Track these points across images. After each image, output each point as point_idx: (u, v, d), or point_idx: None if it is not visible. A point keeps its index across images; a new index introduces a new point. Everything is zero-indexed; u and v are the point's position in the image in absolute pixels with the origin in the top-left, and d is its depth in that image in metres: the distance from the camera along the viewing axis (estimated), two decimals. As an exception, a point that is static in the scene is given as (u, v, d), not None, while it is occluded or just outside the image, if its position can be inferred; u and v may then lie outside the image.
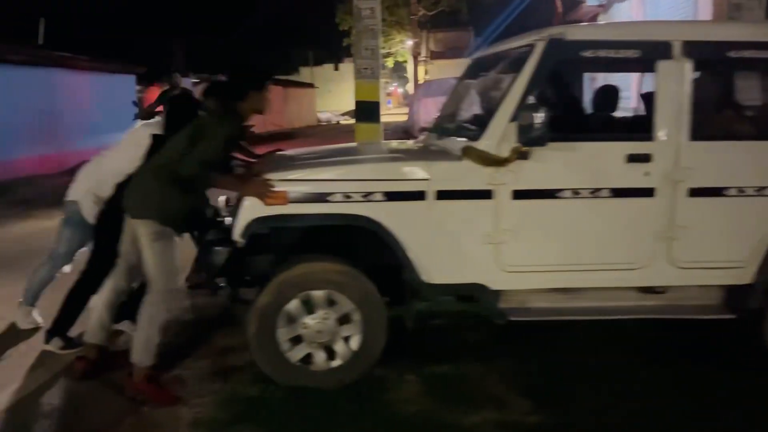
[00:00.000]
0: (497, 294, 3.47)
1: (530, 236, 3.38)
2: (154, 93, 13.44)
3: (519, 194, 3.34)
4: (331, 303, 3.36)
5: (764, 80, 3.65)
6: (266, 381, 3.42)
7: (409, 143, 4.42)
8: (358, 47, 7.59)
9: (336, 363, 3.41)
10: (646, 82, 4.68)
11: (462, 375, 3.56)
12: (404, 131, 20.60)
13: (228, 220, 3.61)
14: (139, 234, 3.31)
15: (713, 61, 3.39)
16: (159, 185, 3.25)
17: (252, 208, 3.27)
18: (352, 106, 8.88)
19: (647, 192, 3.36)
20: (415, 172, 3.35)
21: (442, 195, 3.33)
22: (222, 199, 3.98)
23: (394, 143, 4.45)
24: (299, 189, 3.29)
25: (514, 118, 3.27)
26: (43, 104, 13.22)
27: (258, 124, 23.23)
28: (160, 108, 11.11)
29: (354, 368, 3.42)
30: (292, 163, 3.57)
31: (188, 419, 3.17)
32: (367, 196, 3.30)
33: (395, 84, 39.47)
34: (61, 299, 3.90)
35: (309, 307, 3.35)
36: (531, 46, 3.37)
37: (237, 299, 3.65)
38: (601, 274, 3.44)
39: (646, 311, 3.51)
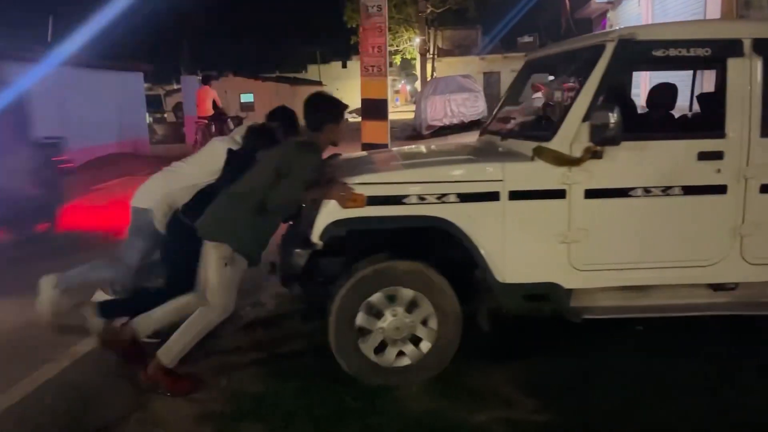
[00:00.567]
0: (569, 293, 3.50)
1: (602, 235, 3.41)
2: (205, 94, 13.40)
3: (591, 193, 3.37)
4: (410, 300, 3.42)
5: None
6: (273, 378, 3.52)
7: (474, 143, 4.44)
8: (365, 45, 7.60)
9: (411, 360, 3.47)
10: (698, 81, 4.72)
11: (469, 373, 3.59)
12: (413, 129, 20.66)
13: None
14: (208, 255, 3.40)
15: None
16: (239, 212, 3.34)
17: (331, 212, 3.32)
18: (359, 104, 8.86)
19: (719, 189, 3.39)
20: (489, 173, 3.39)
21: (516, 195, 3.37)
22: None
23: (456, 144, 4.49)
24: (377, 192, 3.34)
25: (586, 118, 3.31)
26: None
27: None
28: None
29: (429, 366, 3.48)
30: (365, 167, 3.61)
31: (195, 414, 3.24)
32: (441, 197, 3.34)
33: (403, 81, 39.46)
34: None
35: (390, 303, 3.42)
36: (600, 47, 3.40)
37: (307, 297, 3.72)
38: (673, 271, 3.48)
39: (717, 308, 3.54)
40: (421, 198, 3.34)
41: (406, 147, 5.42)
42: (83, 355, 3.92)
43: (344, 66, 42.05)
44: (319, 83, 41.95)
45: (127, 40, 23.18)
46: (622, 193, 3.39)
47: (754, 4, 9.98)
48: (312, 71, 41.21)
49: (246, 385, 3.53)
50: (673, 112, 4.05)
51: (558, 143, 3.35)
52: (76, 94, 13.64)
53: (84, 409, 3.36)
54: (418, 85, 34.33)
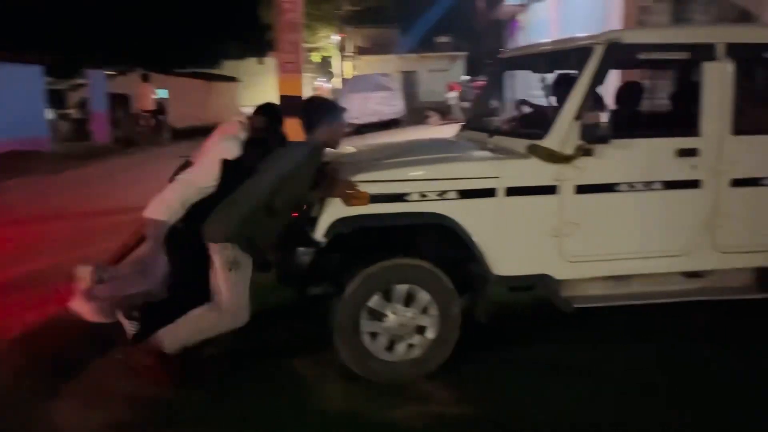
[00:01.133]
0: (560, 284, 3.65)
1: (591, 228, 3.58)
2: (146, 90, 14.90)
3: (582, 189, 3.54)
4: (411, 297, 3.47)
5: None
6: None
7: (457, 139, 4.51)
8: (281, 41, 7.52)
9: (414, 355, 3.52)
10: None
11: None
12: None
13: None
14: (214, 261, 3.32)
15: (753, 61, 3.69)
16: (244, 213, 3.28)
17: (335, 209, 3.32)
18: (277, 101, 8.79)
19: (694, 184, 3.63)
20: (486, 171, 3.49)
21: (512, 191, 3.48)
22: None
23: (446, 139, 4.55)
24: (379, 189, 3.36)
25: (577, 117, 3.46)
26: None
27: (179, 118, 22.61)
28: None
29: (431, 360, 3.54)
30: (366, 164, 3.62)
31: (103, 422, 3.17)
32: (442, 194, 3.41)
33: (322, 79, 39.36)
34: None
35: (396, 300, 3.46)
36: (588, 49, 3.56)
37: (304, 295, 3.70)
38: (654, 261, 3.70)
39: (690, 294, 3.80)
40: (423, 195, 3.39)
41: (397, 141, 5.39)
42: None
43: (261, 62, 41.29)
44: (234, 79, 41.03)
45: (27, 31, 21.77)
46: (610, 188, 3.57)
47: (653, 11, 10.85)
48: (228, 67, 40.19)
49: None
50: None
51: (551, 141, 3.49)
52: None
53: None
54: (336, 83, 34.32)
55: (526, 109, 4.49)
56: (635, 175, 3.58)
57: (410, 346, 3.52)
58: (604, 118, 3.36)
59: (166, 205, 3.76)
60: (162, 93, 27.90)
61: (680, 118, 3.82)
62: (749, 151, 3.66)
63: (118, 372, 3.56)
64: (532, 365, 3.71)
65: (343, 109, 3.58)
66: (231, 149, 3.76)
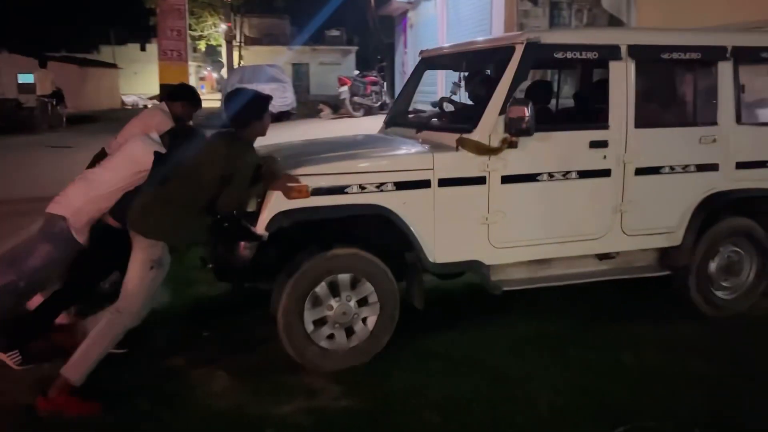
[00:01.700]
0: (489, 269, 3.89)
1: (516, 215, 3.84)
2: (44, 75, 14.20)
3: (507, 179, 3.77)
4: (353, 286, 3.58)
5: (692, 78, 4.25)
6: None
7: (387, 136, 4.62)
8: (164, 27, 7.33)
9: (354, 343, 3.64)
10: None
11: (272, 365, 3.65)
12: (219, 117, 20.07)
13: None
14: (136, 255, 3.27)
15: (652, 61, 4.06)
16: (179, 214, 3.23)
17: (277, 203, 3.35)
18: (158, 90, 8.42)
19: (605, 173, 3.98)
20: (421, 163, 3.64)
21: (444, 182, 3.66)
22: None
23: (378, 135, 4.64)
24: (320, 183, 3.42)
25: (502, 112, 3.69)
26: None
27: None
28: None
29: (370, 347, 3.66)
30: (306, 159, 3.66)
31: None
32: (380, 186, 3.53)
33: (209, 68, 38.12)
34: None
35: (336, 289, 3.55)
36: (510, 48, 3.79)
37: (242, 290, 3.70)
38: (571, 245, 4.01)
39: (603, 274, 4.17)
40: (362, 187, 3.50)
41: (335, 137, 5.37)
42: None
43: (143, 49, 39.37)
44: (114, 66, 38.94)
45: None
46: (532, 178, 3.83)
47: (532, 15, 11.67)
48: (105, 53, 38.03)
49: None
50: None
51: (478, 134, 3.70)
52: None
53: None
54: (224, 72, 33.43)
55: (449, 107, 4.70)
56: (554, 165, 3.86)
57: (350, 334, 3.63)
58: (530, 112, 3.57)
59: (63, 200, 3.55)
60: (26, 78, 25.86)
61: (593, 113, 4.14)
62: (650, 143, 4.04)
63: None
64: (432, 357, 3.80)
65: (269, 98, 3.57)
66: (147, 153, 3.54)
